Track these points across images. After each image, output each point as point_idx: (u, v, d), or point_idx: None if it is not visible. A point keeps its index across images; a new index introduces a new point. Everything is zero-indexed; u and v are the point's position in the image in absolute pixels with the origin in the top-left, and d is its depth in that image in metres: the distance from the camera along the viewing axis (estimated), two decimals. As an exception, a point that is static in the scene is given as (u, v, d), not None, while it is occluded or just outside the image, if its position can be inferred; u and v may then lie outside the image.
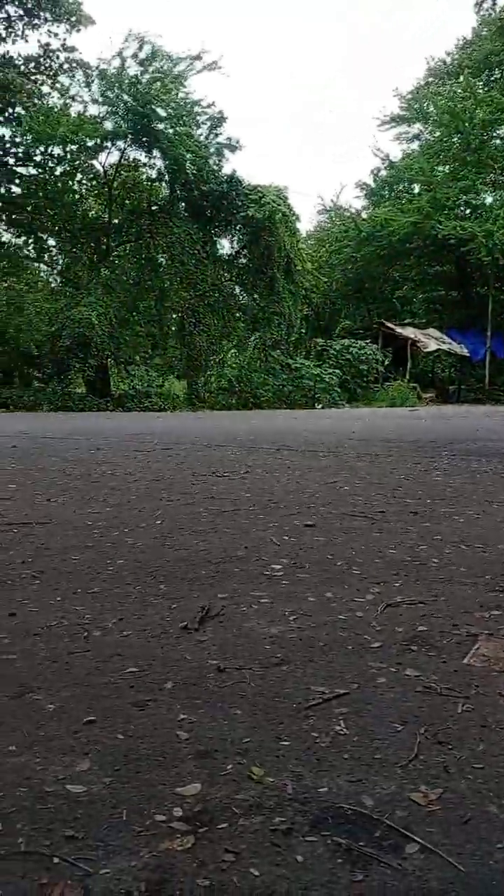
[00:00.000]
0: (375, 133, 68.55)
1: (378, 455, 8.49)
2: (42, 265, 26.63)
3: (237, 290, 24.62)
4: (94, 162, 21.90)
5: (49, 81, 23.44)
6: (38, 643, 2.57)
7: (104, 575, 3.43)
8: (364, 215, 32.34)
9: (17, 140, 22.25)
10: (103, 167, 22.07)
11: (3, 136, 22.50)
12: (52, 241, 24.59)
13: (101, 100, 20.43)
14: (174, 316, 23.39)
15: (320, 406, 23.28)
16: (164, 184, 22.84)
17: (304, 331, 28.19)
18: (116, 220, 22.43)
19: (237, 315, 24.22)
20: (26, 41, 26.13)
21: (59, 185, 21.83)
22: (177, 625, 2.77)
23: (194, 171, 20.96)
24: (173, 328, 23.49)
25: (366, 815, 1.60)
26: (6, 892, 1.35)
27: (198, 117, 21.63)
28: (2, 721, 2.00)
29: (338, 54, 76.51)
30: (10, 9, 22.72)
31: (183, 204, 22.21)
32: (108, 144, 20.97)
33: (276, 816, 1.60)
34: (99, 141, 20.39)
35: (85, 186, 22.99)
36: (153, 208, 22.45)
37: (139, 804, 1.63)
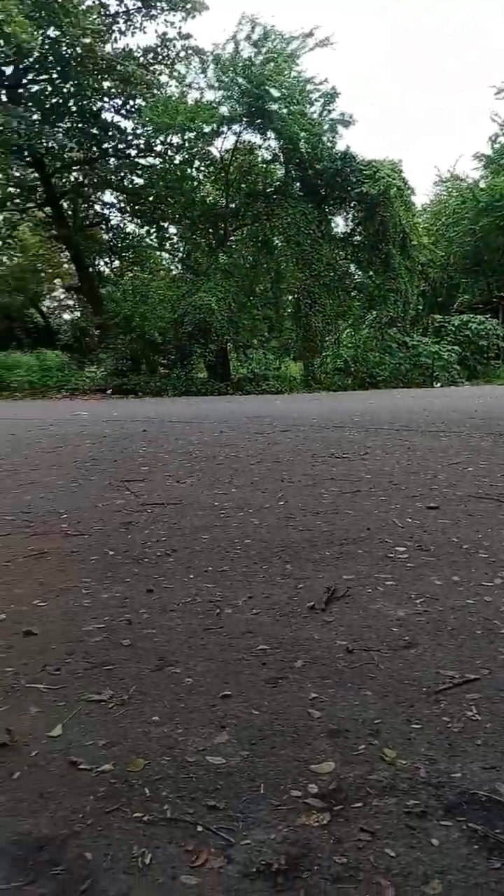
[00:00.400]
0: (492, 101, 65.58)
1: (502, 434, 8.19)
2: (164, 253, 27.35)
3: (352, 268, 24.24)
4: (211, 148, 22.17)
5: (167, 71, 23.88)
6: (174, 619, 2.70)
7: (232, 554, 3.54)
8: (482, 185, 30.90)
9: (139, 132, 22.87)
10: (220, 152, 22.30)
11: (126, 128, 23.18)
12: (172, 230, 25.19)
13: (216, 85, 20.59)
14: (290, 298, 23.36)
15: (439, 384, 22.62)
16: (278, 165, 22.79)
17: (420, 307, 27.35)
18: (233, 205, 22.63)
19: (352, 294, 23.86)
20: (144, 32, 26.64)
21: (179, 173, 22.26)
22: (304, 604, 2.82)
23: (308, 150, 20.76)
24: (289, 310, 23.48)
25: (501, 802, 1.59)
26: (156, 856, 1.45)
27: (310, 95, 21.40)
28: (146, 692, 2.13)
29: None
30: (129, 2, 23.28)
31: (297, 184, 22.05)
32: (224, 129, 21.14)
33: (410, 799, 1.61)
34: (215, 126, 20.57)
35: (202, 173, 23.32)
36: (268, 190, 22.46)
37: (275, 779, 1.70)
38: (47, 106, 22.33)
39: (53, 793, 1.66)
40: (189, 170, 22.78)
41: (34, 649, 2.46)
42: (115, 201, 26.52)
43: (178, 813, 1.58)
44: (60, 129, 22.10)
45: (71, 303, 35.34)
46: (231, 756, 1.79)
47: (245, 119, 20.73)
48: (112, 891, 1.36)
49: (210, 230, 23.30)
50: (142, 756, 1.80)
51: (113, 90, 22.90)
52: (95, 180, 24.86)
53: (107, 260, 29.09)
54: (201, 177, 23.40)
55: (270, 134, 21.25)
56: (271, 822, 1.54)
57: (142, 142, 23.21)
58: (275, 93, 20.14)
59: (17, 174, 24.24)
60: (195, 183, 23.02)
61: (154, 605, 2.86)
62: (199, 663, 2.31)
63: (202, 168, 23.24)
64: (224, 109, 20.74)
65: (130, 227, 26.98)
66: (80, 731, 1.93)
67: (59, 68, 21.38)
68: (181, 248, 25.85)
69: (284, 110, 20.23)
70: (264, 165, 23.19)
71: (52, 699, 2.10)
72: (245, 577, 3.20)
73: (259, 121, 20.57)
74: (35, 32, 18.56)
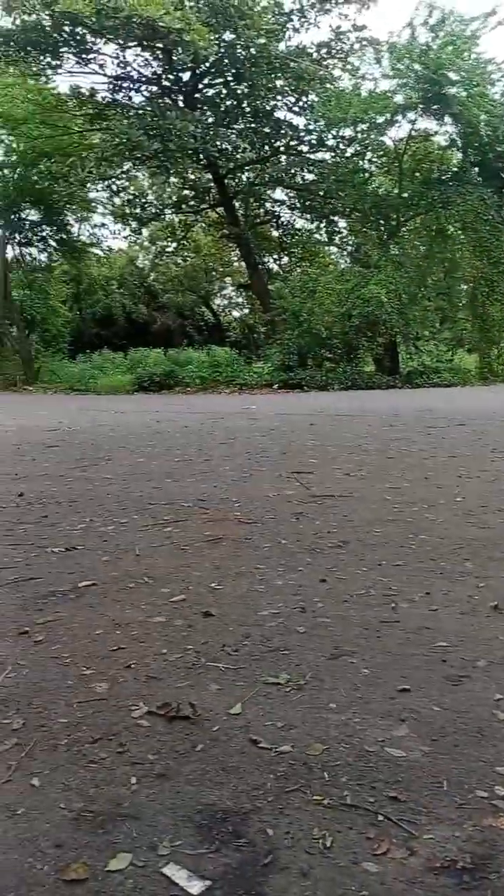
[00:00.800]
0: None
1: None
2: (333, 247, 27.33)
3: (535, 252, 22.91)
4: (384, 138, 21.81)
5: (340, 64, 23.76)
6: (349, 610, 2.69)
7: (407, 549, 3.46)
8: None
9: (311, 127, 22.99)
10: (393, 142, 21.89)
11: (298, 125, 23.37)
12: (342, 223, 25.10)
13: (391, 74, 20.20)
14: (465, 287, 22.50)
15: None
16: (455, 150, 21.98)
17: None
18: (406, 195, 22.15)
19: (536, 279, 22.56)
20: (318, 28, 26.63)
21: (350, 166, 22.13)
22: (486, 603, 2.70)
23: (489, 133, 19.82)
24: (464, 300, 22.62)
25: None
26: (336, 839, 1.45)
27: (492, 76, 20.43)
28: (322, 679, 2.13)
29: None
30: (304, -1, 23.38)
31: (476, 169, 21.18)
32: (399, 118, 20.71)
33: None
34: (389, 116, 20.22)
35: (375, 164, 23.03)
36: (444, 177, 21.73)
37: (459, 777, 1.63)
38: (222, 109, 23.02)
39: (235, 768, 1.71)
40: (361, 162, 22.57)
41: (213, 630, 2.54)
42: (285, 198, 26.84)
43: (359, 800, 1.57)
44: (234, 131, 22.68)
45: (240, 300, 36.28)
46: (411, 750, 1.74)
47: (420, 106, 20.17)
48: (294, 868, 1.37)
49: (381, 222, 22.94)
50: (320, 741, 1.80)
51: (286, 88, 23.14)
52: (267, 178, 25.27)
53: (276, 257, 29.54)
54: (373, 168, 23.09)
55: (447, 119, 20.52)
56: (456, 820, 1.49)
57: (313, 137, 23.29)
58: (453, 76, 19.42)
59: (192, 177, 25.21)
60: (367, 175, 22.76)
61: (328, 594, 2.86)
62: (375, 655, 2.28)
63: (374, 159, 22.94)
64: (399, 98, 20.31)
65: (300, 223, 27.20)
66: (259, 710, 1.97)
67: (233, 71, 21.95)
68: (350, 242, 25.68)
69: (464, 94, 19.45)
70: (440, 152, 22.47)
71: (231, 678, 2.16)
72: (421, 572, 3.11)
73: (436, 106, 19.93)
74: (211, 38, 19.16)
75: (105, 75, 22.54)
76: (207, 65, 21.87)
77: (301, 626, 2.53)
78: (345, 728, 1.86)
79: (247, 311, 33.76)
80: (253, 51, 20.90)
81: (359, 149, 22.32)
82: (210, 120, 22.26)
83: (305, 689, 2.07)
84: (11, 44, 20.13)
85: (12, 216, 24.94)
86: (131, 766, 1.75)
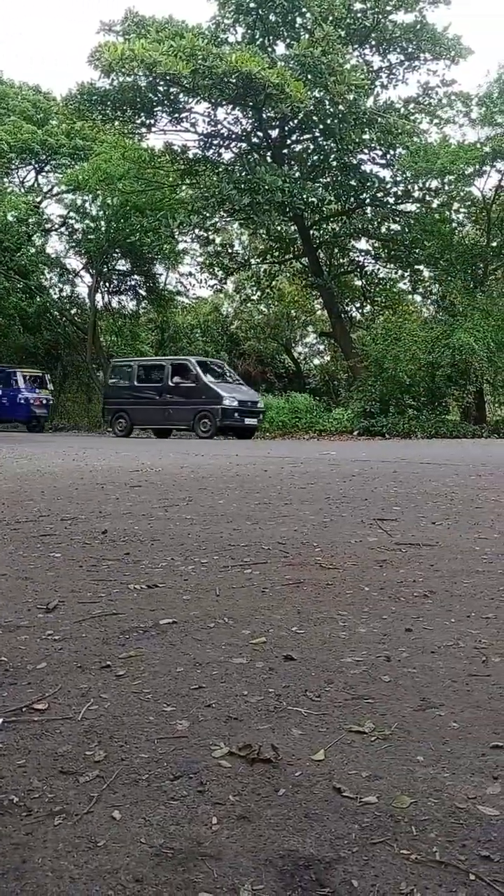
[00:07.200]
0: None
1: None
2: (417, 296, 27.32)
3: None
4: (472, 188, 21.85)
5: (427, 118, 24.07)
6: (435, 661, 2.60)
7: (498, 601, 3.34)
8: None
9: (398, 179, 23.29)
10: (482, 192, 21.90)
11: (384, 178, 23.71)
12: (426, 272, 25.11)
13: (479, 124, 20.36)
14: None
15: None
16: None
17: None
18: (495, 244, 21.99)
19: None
20: (406, 84, 27.13)
21: (437, 216, 22.24)
22: None
23: None
24: None
25: None
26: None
27: None
28: (408, 730, 2.06)
29: None
30: (392, 57, 23.93)
31: None
32: (487, 168, 20.76)
33: None
34: (477, 166, 20.28)
35: (462, 214, 23.07)
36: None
37: None
38: (309, 163, 23.61)
39: (318, 815, 1.66)
40: (447, 212, 22.67)
41: (294, 674, 2.50)
42: (369, 248, 27.12)
43: (448, 857, 1.49)
44: (320, 184, 23.23)
45: (322, 348, 36.54)
46: (505, 810, 1.66)
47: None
48: (381, 927, 1.31)
49: (468, 270, 22.85)
50: (407, 794, 1.73)
51: (373, 142, 23.59)
52: (351, 230, 25.66)
53: (358, 305, 29.74)
54: (460, 218, 23.15)
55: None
56: None
57: (399, 189, 23.57)
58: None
59: (279, 228, 25.87)
60: (454, 225, 22.82)
61: (413, 644, 2.78)
62: (465, 709, 2.19)
63: (462, 210, 23.00)
64: (487, 148, 20.39)
65: (384, 273, 27.39)
66: (343, 758, 1.91)
67: (321, 126, 22.57)
68: (435, 290, 25.64)
69: None
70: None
71: (314, 724, 2.12)
72: (512, 625, 2.99)
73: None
74: (308, 92, 19.80)
75: (197, 133, 23.56)
76: (296, 121, 22.57)
77: (386, 676, 2.46)
78: (433, 782, 1.78)
79: (328, 358, 33.94)
80: (342, 107, 21.48)
81: (445, 199, 22.43)
82: (297, 174, 22.84)
83: (391, 740, 2.00)
84: (108, 103, 21.35)
85: (104, 267, 26.08)
86: (212, 805, 1.72)
